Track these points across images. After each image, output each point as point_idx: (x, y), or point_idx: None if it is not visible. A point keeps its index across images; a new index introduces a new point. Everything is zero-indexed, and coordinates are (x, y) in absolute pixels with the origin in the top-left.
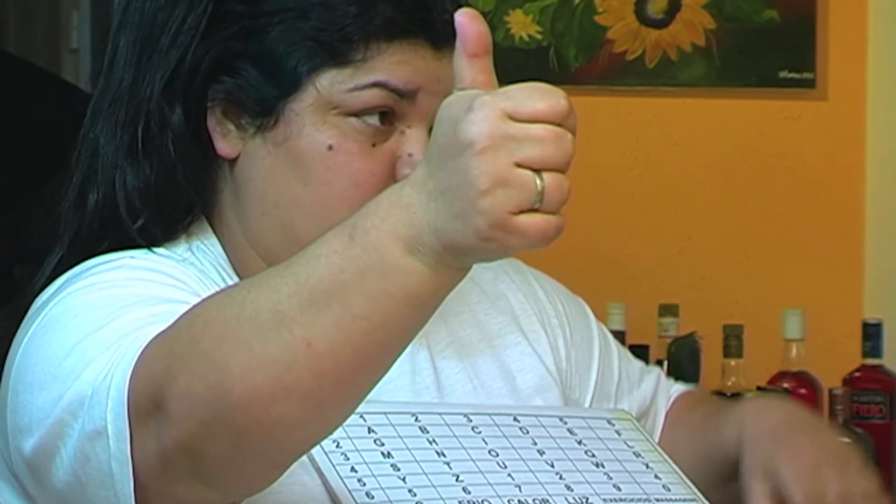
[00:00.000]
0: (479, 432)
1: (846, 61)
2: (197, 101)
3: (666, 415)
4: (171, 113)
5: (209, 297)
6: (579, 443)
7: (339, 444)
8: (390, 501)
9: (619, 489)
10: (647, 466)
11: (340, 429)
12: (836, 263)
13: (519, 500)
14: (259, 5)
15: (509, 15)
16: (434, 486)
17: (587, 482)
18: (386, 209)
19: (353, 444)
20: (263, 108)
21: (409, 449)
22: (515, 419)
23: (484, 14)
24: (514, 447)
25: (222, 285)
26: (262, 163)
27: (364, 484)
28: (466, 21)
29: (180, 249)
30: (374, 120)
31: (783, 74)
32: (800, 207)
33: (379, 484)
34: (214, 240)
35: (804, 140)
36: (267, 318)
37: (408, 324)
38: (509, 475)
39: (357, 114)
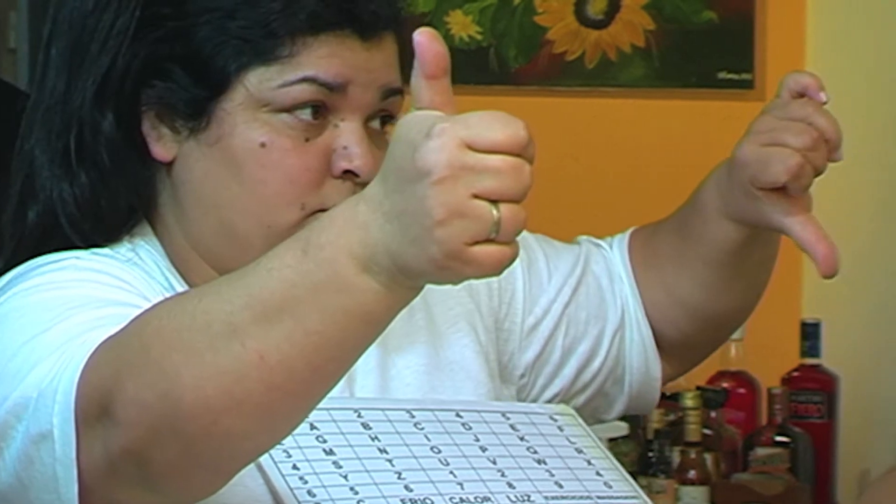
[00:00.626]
0: (422, 429)
1: (784, 62)
2: (130, 107)
3: (629, 252)
4: (102, 120)
5: (160, 304)
6: (521, 439)
7: (281, 441)
8: (332, 500)
9: (560, 486)
10: (589, 463)
11: None
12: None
13: (461, 498)
14: (185, 7)
15: (449, 15)
16: (376, 484)
17: (529, 479)
18: (340, 226)
19: (295, 441)
20: (195, 110)
21: (351, 446)
22: (458, 415)
23: (423, 14)
24: (456, 444)
25: (166, 285)
26: (197, 165)
27: (306, 482)
28: (425, 41)
29: (123, 250)
30: (306, 115)
31: (722, 75)
32: None
33: (321, 482)
34: (156, 241)
35: None
36: (219, 330)
37: (361, 339)
38: (451, 472)
39: (288, 109)
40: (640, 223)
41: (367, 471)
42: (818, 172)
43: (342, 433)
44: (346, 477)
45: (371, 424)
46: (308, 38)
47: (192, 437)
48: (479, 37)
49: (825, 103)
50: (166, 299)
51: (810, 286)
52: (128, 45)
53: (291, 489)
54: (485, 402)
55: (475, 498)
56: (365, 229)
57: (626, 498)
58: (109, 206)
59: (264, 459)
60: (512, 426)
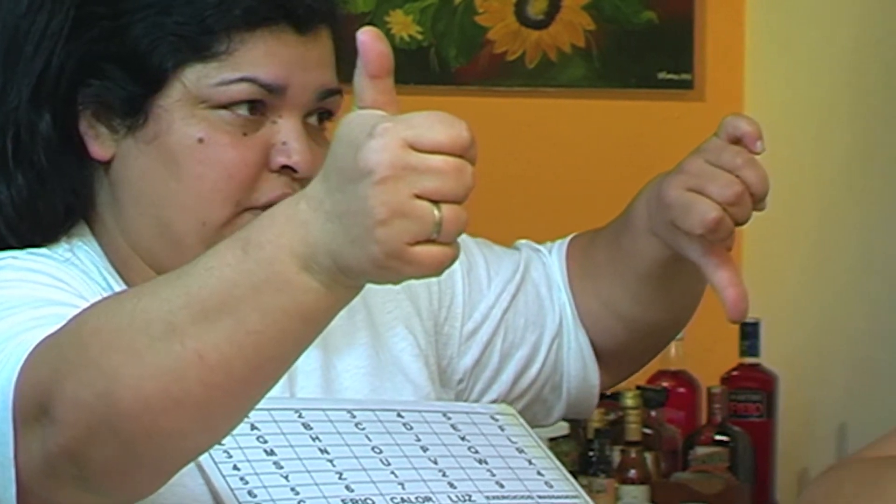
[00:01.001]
0: (363, 429)
1: (723, 63)
2: (66, 107)
3: (567, 260)
4: (39, 120)
5: (98, 303)
6: (462, 439)
7: (221, 441)
8: (273, 500)
9: (501, 486)
10: (530, 463)
11: None
12: None
13: (402, 498)
14: (120, 5)
15: (390, 15)
16: (317, 485)
17: (470, 479)
18: (281, 225)
19: (235, 441)
20: (132, 108)
21: (291, 446)
22: (399, 415)
23: (364, 14)
24: (397, 444)
25: (104, 285)
26: (135, 163)
27: (247, 482)
28: (368, 41)
29: (61, 250)
30: (243, 111)
31: (662, 75)
32: None
33: (262, 482)
34: (94, 241)
35: (683, 140)
36: (158, 329)
37: (301, 338)
38: (392, 472)
39: (226, 106)
40: (580, 223)
41: (308, 471)
42: (740, 223)
43: (283, 433)
44: (286, 477)
45: (312, 425)
46: (244, 34)
47: (131, 436)
48: (419, 37)
49: (759, 153)
50: (105, 298)
51: (749, 286)
52: (62, 45)
53: (232, 489)
54: (426, 402)
55: (416, 498)
56: (306, 228)
57: (566, 497)
58: (47, 207)
59: (204, 459)
60: (453, 426)
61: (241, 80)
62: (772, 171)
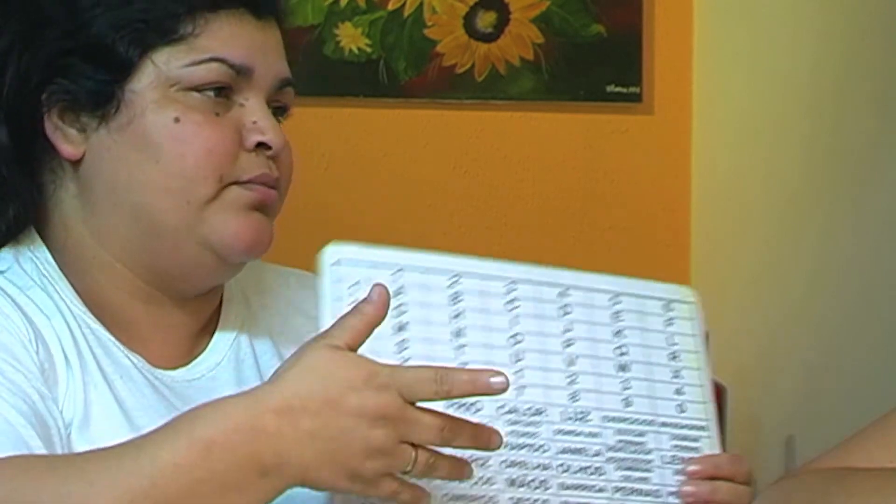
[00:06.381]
0: (515, 307)
1: (672, 76)
2: (30, 114)
3: None
4: None
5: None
6: (616, 334)
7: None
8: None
9: (628, 404)
10: (677, 375)
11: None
12: (662, 275)
13: (511, 408)
14: (77, 3)
15: (339, 28)
16: (427, 351)
17: (598, 391)
18: (246, 432)
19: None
20: (102, 98)
21: (426, 306)
22: (563, 294)
23: (313, 27)
24: (541, 333)
25: (41, 298)
26: (109, 154)
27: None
28: (383, 297)
29: (8, 259)
30: (212, 93)
31: (610, 88)
32: (626, 219)
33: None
34: (43, 248)
35: (631, 153)
36: None
37: None
38: (515, 372)
39: (196, 88)
40: (529, 235)
41: (426, 338)
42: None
43: (427, 290)
44: (401, 328)
45: (463, 294)
46: (208, 15)
47: None
48: (368, 49)
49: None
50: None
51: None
52: (22, 52)
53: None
54: (603, 276)
55: (527, 409)
56: (278, 439)
57: (691, 428)
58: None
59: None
60: (615, 314)
61: (211, 59)
62: (721, 185)
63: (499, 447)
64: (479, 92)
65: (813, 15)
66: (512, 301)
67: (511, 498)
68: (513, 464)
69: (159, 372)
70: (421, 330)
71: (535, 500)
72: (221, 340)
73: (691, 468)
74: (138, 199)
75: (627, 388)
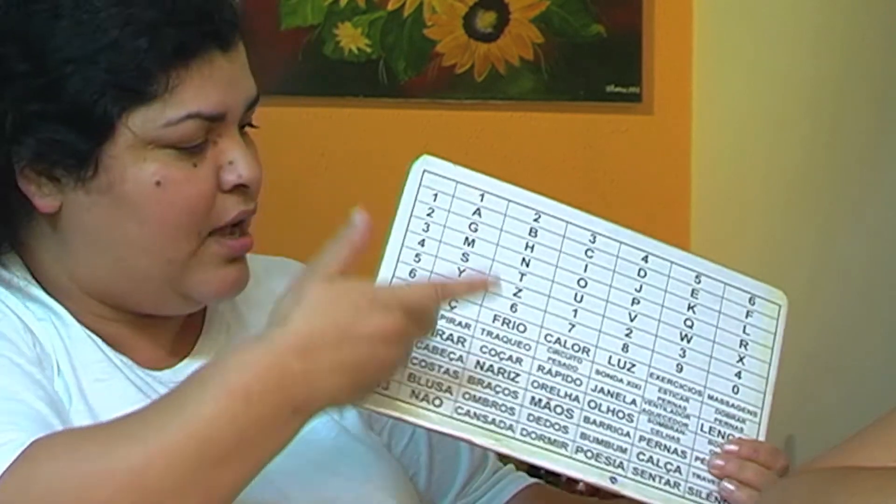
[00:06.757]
0: (590, 257)
1: (671, 76)
2: (1, 166)
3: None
4: None
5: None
6: (689, 308)
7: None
8: (431, 271)
9: (679, 370)
10: (740, 360)
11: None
12: None
13: (558, 339)
14: (43, 61)
15: (338, 28)
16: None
17: (651, 350)
18: (277, 379)
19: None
20: (79, 160)
21: (496, 241)
22: (646, 259)
23: (313, 27)
24: (610, 286)
25: (33, 294)
26: (88, 213)
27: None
28: (366, 223)
29: None
30: (189, 145)
31: (610, 89)
32: (626, 219)
33: (435, 252)
34: (16, 258)
35: (631, 153)
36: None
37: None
38: (574, 311)
39: (174, 146)
40: None
41: (488, 267)
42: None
43: (505, 216)
44: (469, 242)
45: (539, 231)
46: (181, 71)
47: None
48: (368, 49)
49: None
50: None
51: None
52: None
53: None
54: (689, 255)
55: (573, 345)
56: (305, 378)
57: (741, 409)
58: None
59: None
60: (693, 292)
61: (187, 117)
62: (721, 185)
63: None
64: (479, 92)
65: (813, 15)
66: (590, 251)
67: (531, 415)
68: (542, 386)
69: (147, 371)
70: (487, 249)
71: (555, 424)
72: (207, 344)
73: (729, 447)
74: (118, 254)
75: (683, 356)
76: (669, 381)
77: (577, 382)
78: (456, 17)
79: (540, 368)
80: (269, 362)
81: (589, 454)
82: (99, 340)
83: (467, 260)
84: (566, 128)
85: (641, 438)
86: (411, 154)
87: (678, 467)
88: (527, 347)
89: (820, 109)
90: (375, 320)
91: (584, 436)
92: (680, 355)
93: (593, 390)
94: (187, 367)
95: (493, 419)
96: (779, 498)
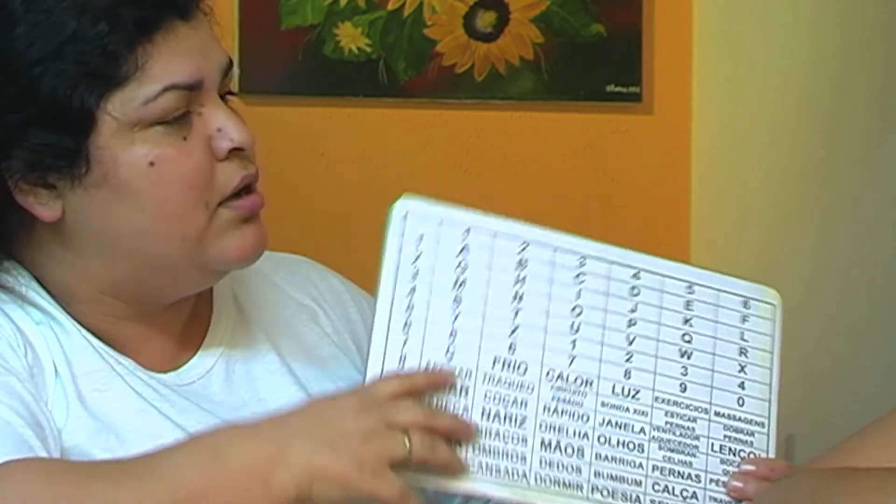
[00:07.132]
0: (581, 282)
1: (672, 76)
2: None
3: None
4: None
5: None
6: (685, 322)
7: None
8: (425, 324)
9: (683, 389)
10: (742, 370)
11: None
12: None
13: (560, 374)
14: (10, 69)
15: (338, 27)
16: (483, 321)
17: (653, 373)
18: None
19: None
20: (70, 159)
21: (487, 280)
22: (636, 276)
23: (313, 26)
24: (603, 309)
25: (35, 300)
26: (91, 211)
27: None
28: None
29: None
30: (173, 117)
31: (610, 88)
32: (626, 219)
33: (426, 301)
34: (25, 272)
35: (631, 153)
36: None
37: None
38: (572, 342)
39: (158, 121)
40: None
41: (484, 307)
42: None
43: (491, 252)
44: (459, 284)
45: (528, 262)
46: (146, 46)
47: None
48: (368, 49)
49: None
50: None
51: None
52: None
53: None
54: (684, 266)
55: (576, 378)
56: (274, 432)
57: (748, 422)
58: None
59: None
60: (687, 304)
61: (163, 90)
62: (721, 185)
63: (470, 439)
64: (479, 92)
65: (813, 15)
66: (580, 275)
67: (542, 459)
68: (550, 427)
69: (150, 374)
70: (479, 288)
71: (567, 466)
72: (212, 345)
73: (746, 467)
74: (131, 245)
75: (685, 374)
76: (675, 403)
77: (585, 418)
78: (456, 16)
79: (546, 409)
80: (241, 429)
81: (605, 492)
82: (100, 346)
83: (460, 303)
84: (566, 128)
85: (654, 468)
86: (411, 154)
87: (694, 493)
88: (530, 389)
89: (820, 109)
90: (342, 400)
91: (597, 474)
92: (682, 374)
93: (601, 424)
94: (191, 369)
95: (506, 469)
96: (779, 498)
